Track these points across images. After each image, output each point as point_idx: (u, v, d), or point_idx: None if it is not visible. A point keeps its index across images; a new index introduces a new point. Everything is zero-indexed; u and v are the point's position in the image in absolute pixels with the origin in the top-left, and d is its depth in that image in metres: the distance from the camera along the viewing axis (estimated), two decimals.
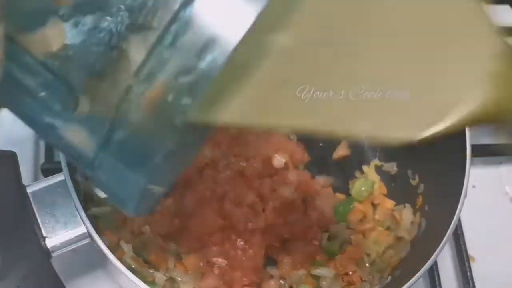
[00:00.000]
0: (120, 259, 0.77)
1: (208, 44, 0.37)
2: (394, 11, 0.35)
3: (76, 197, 0.74)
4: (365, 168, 1.04)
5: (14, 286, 0.70)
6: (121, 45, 0.40)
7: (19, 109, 0.53)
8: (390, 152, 1.04)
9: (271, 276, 0.92)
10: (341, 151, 1.05)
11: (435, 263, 0.98)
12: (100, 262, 0.91)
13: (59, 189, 0.76)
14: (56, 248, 0.74)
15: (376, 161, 1.04)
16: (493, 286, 1.03)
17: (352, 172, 1.04)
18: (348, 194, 1.01)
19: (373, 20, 0.36)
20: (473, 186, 1.11)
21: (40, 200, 0.75)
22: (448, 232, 0.79)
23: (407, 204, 0.96)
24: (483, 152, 1.09)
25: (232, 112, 0.39)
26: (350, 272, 0.91)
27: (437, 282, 0.98)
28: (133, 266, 0.81)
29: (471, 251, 1.03)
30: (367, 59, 0.36)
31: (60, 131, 0.47)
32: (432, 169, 0.92)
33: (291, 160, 0.99)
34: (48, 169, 0.94)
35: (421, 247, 0.86)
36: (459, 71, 0.34)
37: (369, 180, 1.01)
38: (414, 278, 0.77)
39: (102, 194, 0.84)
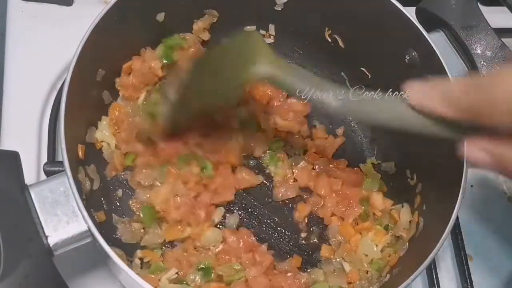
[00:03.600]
0: None
1: None
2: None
3: (78, 196, 0.75)
4: (361, 166, 1.04)
5: (16, 284, 0.70)
6: None
7: None
8: (388, 151, 1.05)
9: None
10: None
11: (433, 261, 0.99)
12: (101, 261, 0.91)
13: (61, 189, 0.76)
14: (58, 246, 0.75)
15: (372, 159, 1.05)
16: (491, 285, 1.04)
17: None
18: None
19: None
20: (471, 186, 1.11)
21: (42, 200, 0.76)
22: (446, 231, 0.80)
23: (405, 204, 0.96)
24: None
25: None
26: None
27: (435, 281, 0.99)
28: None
29: (469, 250, 1.04)
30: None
31: None
32: (430, 169, 0.93)
33: None
34: (50, 168, 0.94)
35: (419, 246, 0.87)
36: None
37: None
38: (412, 277, 0.78)
39: None
